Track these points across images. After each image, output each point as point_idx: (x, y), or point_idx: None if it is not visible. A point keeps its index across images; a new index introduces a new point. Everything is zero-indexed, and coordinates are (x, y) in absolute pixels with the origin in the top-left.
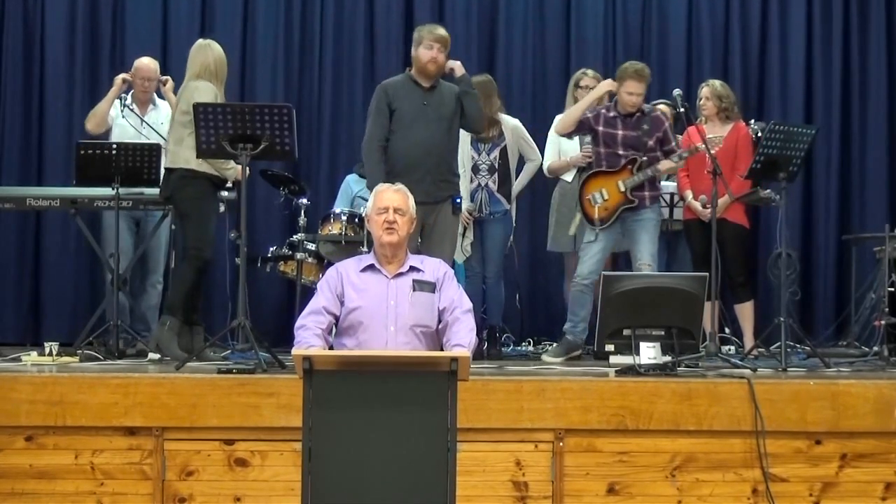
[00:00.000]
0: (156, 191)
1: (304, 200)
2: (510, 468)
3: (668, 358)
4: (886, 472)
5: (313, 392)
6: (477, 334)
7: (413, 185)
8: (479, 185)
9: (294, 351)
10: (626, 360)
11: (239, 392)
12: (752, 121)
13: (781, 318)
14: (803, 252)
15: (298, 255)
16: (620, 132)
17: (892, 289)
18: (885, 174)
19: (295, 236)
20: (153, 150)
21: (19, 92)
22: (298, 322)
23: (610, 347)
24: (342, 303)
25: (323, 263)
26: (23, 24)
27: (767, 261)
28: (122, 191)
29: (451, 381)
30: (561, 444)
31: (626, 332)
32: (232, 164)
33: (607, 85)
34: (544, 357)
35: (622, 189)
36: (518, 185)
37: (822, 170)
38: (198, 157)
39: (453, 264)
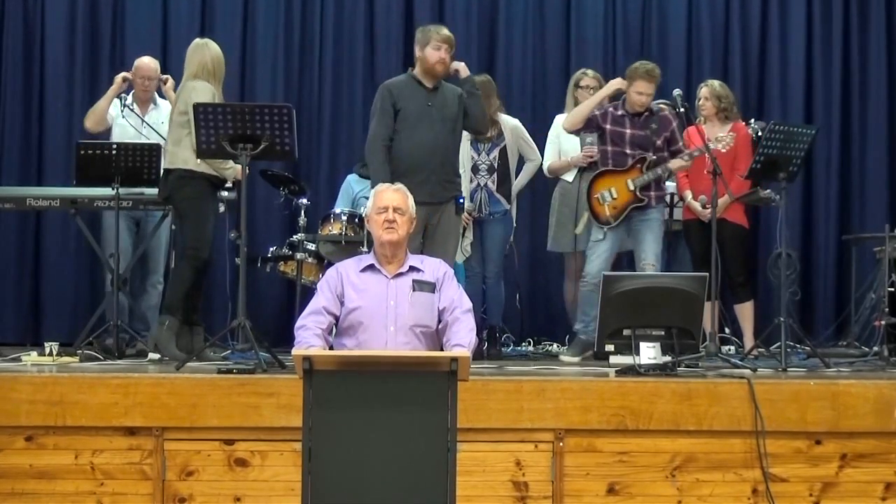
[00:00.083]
0: (156, 191)
1: (304, 200)
2: (510, 468)
3: (668, 358)
4: (886, 472)
5: (313, 392)
6: (477, 334)
7: (417, 185)
8: (479, 185)
9: (294, 351)
10: (626, 360)
11: (239, 392)
12: (752, 120)
13: (781, 318)
14: (803, 252)
15: (298, 255)
16: (628, 131)
17: (892, 289)
18: (885, 174)
19: (295, 236)
20: (153, 150)
21: (19, 92)
22: (298, 322)
23: (610, 347)
24: (342, 303)
25: (323, 263)
26: (23, 24)
27: (767, 261)
28: (122, 191)
29: (451, 381)
30: (561, 444)
31: (626, 332)
32: (231, 163)
33: (617, 83)
34: (562, 357)
35: (631, 188)
36: (518, 184)
37: (822, 170)
38: (198, 157)
39: (453, 264)
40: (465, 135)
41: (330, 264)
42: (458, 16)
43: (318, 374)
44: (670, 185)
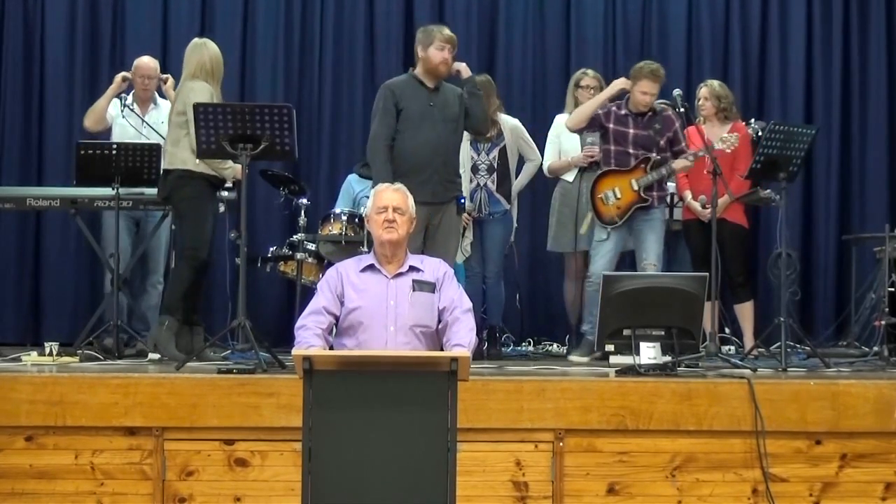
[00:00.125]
0: (156, 191)
1: (304, 200)
2: (510, 468)
3: (668, 358)
4: (886, 472)
5: (313, 392)
6: (477, 334)
7: (420, 185)
8: (479, 185)
9: (294, 351)
10: (626, 360)
11: (239, 392)
12: (752, 120)
13: (781, 318)
14: (803, 252)
15: (298, 255)
16: (631, 130)
17: (892, 289)
18: (885, 174)
19: (295, 236)
20: (153, 150)
21: (19, 92)
22: (299, 322)
23: (610, 347)
24: (342, 303)
25: (323, 263)
26: (23, 24)
27: (767, 261)
28: (122, 191)
29: (451, 381)
30: (561, 444)
31: (626, 332)
32: (229, 163)
33: (621, 83)
34: (570, 357)
35: (635, 188)
36: (518, 185)
37: (822, 170)
38: (198, 157)
39: (453, 264)
40: (465, 135)
41: (330, 264)
42: (458, 16)
43: (318, 374)
44: (670, 185)
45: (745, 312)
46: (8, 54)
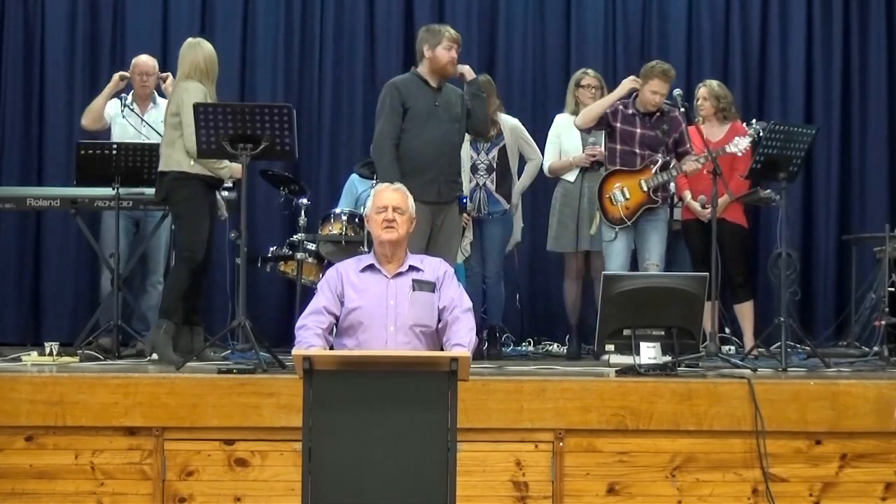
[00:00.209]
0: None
1: (304, 200)
2: (510, 468)
3: (668, 358)
4: (886, 472)
5: (313, 392)
6: (477, 334)
7: (425, 184)
8: (478, 184)
9: (294, 351)
10: (626, 360)
11: (239, 392)
12: (754, 121)
13: (781, 318)
14: (803, 252)
15: (298, 255)
16: (638, 130)
17: (892, 289)
18: (885, 174)
19: (295, 236)
20: (153, 150)
21: (19, 92)
22: (299, 322)
23: (610, 347)
24: (342, 303)
25: (323, 263)
26: (23, 24)
27: (767, 261)
28: (122, 191)
29: (451, 381)
30: (561, 444)
31: (626, 332)
32: (225, 163)
33: (630, 82)
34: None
35: (645, 188)
36: (521, 185)
37: (822, 170)
38: (198, 156)
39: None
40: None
41: (330, 264)
42: (458, 16)
43: (318, 374)
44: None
45: (745, 312)
46: (8, 54)
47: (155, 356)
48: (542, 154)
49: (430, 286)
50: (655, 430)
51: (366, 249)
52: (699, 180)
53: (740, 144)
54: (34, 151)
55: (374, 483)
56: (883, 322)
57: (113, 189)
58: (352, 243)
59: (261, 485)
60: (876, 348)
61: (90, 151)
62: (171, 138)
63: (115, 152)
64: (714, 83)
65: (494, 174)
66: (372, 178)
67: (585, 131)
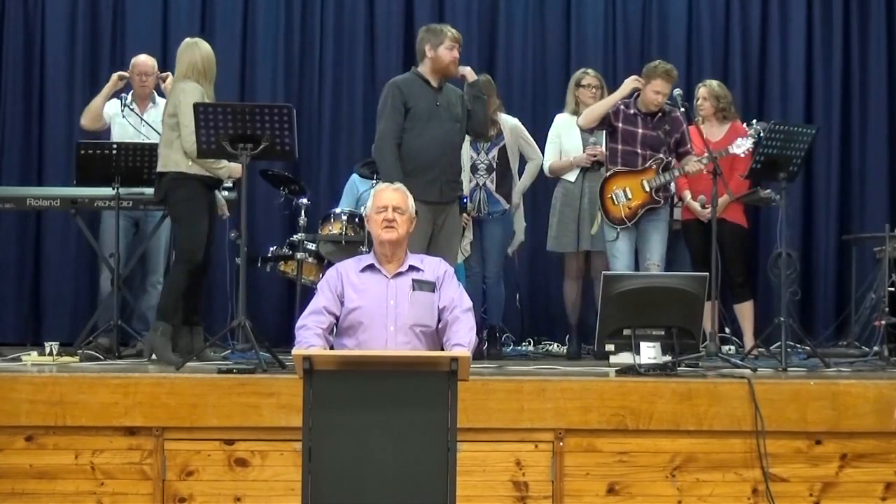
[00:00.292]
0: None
1: (304, 200)
2: (510, 468)
3: (668, 358)
4: (886, 472)
5: (313, 392)
6: (477, 334)
7: (427, 184)
8: (478, 184)
9: (294, 351)
10: (626, 360)
11: (239, 392)
12: (754, 121)
13: (781, 318)
14: (803, 252)
15: (298, 255)
16: (640, 130)
17: (892, 289)
18: (885, 174)
19: (295, 236)
20: (153, 150)
21: (19, 92)
22: (299, 322)
23: (610, 347)
24: (342, 303)
25: (323, 263)
26: (23, 24)
27: (767, 261)
28: (122, 191)
29: (451, 381)
30: (561, 444)
31: (626, 332)
32: (224, 163)
33: (633, 82)
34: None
35: (647, 189)
36: (522, 185)
37: (822, 170)
38: (198, 156)
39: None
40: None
41: (330, 264)
42: (458, 16)
43: (318, 374)
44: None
45: (745, 312)
46: (8, 54)
47: (154, 357)
48: (543, 154)
49: (430, 286)
50: (655, 430)
51: (366, 249)
52: (699, 180)
53: (743, 146)
54: (34, 151)
55: (374, 483)
56: (883, 322)
57: (113, 189)
58: (352, 243)
59: (261, 485)
60: (876, 348)
61: (90, 151)
62: (169, 139)
63: (115, 152)
64: (714, 83)
65: (494, 174)
66: (372, 178)
67: (587, 131)
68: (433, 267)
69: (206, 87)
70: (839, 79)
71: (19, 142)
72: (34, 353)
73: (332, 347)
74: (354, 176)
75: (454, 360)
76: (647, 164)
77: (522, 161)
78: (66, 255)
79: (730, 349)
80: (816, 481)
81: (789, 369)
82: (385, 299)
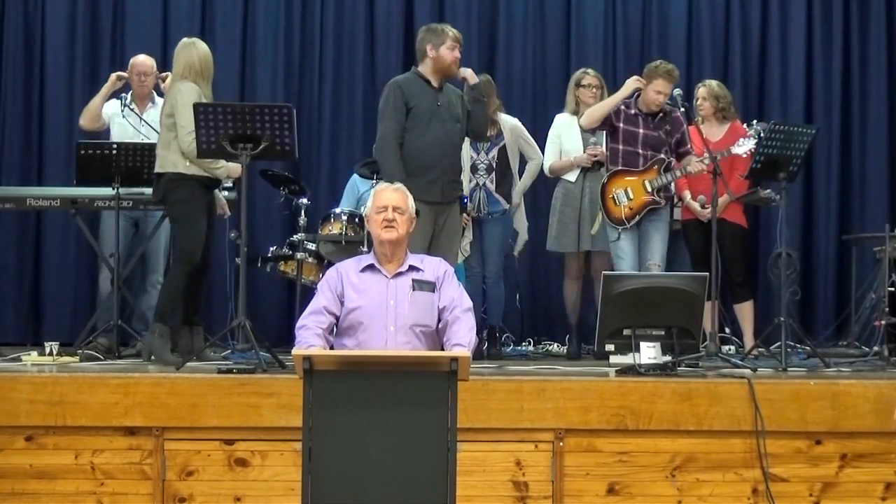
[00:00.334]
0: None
1: (304, 200)
2: (510, 468)
3: (668, 358)
4: (886, 472)
5: (313, 392)
6: (477, 334)
7: (429, 185)
8: (478, 184)
9: (294, 351)
10: (626, 360)
11: (239, 392)
12: (755, 122)
13: (781, 318)
14: (803, 252)
15: (298, 255)
16: (641, 130)
17: (892, 289)
18: (885, 174)
19: (295, 236)
20: (153, 150)
21: (19, 92)
22: (299, 322)
23: (610, 347)
24: (342, 303)
25: (323, 263)
26: (23, 24)
27: (767, 261)
28: (122, 191)
29: (451, 381)
30: (561, 444)
31: (626, 332)
32: (222, 163)
33: (634, 82)
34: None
35: (649, 189)
36: (522, 185)
37: (822, 170)
38: (198, 156)
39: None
40: None
41: (330, 264)
42: (458, 16)
43: (318, 374)
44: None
45: (745, 312)
46: (8, 54)
47: (153, 359)
48: (543, 154)
49: (430, 286)
50: (655, 430)
51: (366, 249)
52: (699, 180)
53: (745, 145)
54: (34, 151)
55: (374, 483)
56: (883, 322)
57: (113, 189)
58: (352, 243)
59: (261, 485)
60: (876, 348)
61: (90, 151)
62: (167, 139)
63: (115, 152)
64: (713, 83)
65: (494, 174)
66: (372, 178)
67: (589, 131)
68: (433, 267)
69: (204, 87)
70: (839, 79)
71: (19, 142)
72: (34, 353)
73: (332, 347)
74: (355, 176)
75: (454, 360)
76: (649, 165)
77: (522, 161)
78: (66, 255)
79: (730, 349)
80: (816, 481)
81: (789, 369)
82: (385, 299)
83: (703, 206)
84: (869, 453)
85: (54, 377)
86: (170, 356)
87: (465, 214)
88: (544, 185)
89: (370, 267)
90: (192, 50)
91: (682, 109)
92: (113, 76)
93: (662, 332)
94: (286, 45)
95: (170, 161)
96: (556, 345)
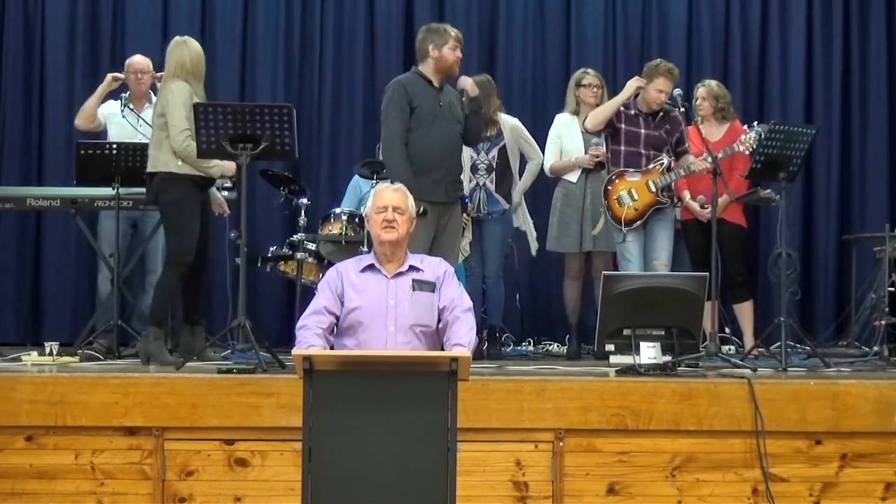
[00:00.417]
0: None
1: (304, 200)
2: (510, 468)
3: (668, 358)
4: (886, 472)
5: (313, 392)
6: (477, 334)
7: (433, 184)
8: (478, 184)
9: (294, 351)
10: (626, 360)
11: (239, 392)
12: (756, 123)
13: (781, 318)
14: (803, 252)
15: (298, 255)
16: (643, 131)
17: (892, 289)
18: (885, 174)
19: (295, 236)
20: None
21: (19, 92)
22: (300, 322)
23: (610, 347)
24: (342, 303)
25: (323, 263)
26: (23, 24)
27: (767, 261)
28: (121, 191)
29: (451, 380)
30: (561, 444)
31: (626, 332)
32: (215, 162)
33: (636, 82)
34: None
35: (653, 189)
36: (522, 185)
37: (822, 170)
38: (198, 157)
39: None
40: None
41: (330, 264)
42: (458, 16)
43: (318, 374)
44: None
45: (745, 312)
46: (8, 54)
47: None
48: (543, 154)
49: (430, 286)
50: (655, 430)
51: (366, 249)
52: (699, 180)
53: (747, 141)
54: (34, 151)
55: (374, 483)
56: (883, 322)
57: (113, 189)
58: (352, 243)
59: (261, 485)
60: (876, 348)
61: (90, 151)
62: (159, 139)
63: (114, 152)
64: (713, 83)
65: (494, 174)
66: (372, 178)
67: (595, 134)
68: (433, 267)
69: (196, 87)
70: (839, 79)
71: (19, 142)
72: (34, 353)
73: (332, 347)
74: (357, 176)
75: (454, 360)
76: (651, 165)
77: (522, 161)
78: (66, 255)
79: (730, 349)
80: (816, 481)
81: (789, 369)
82: (385, 299)
83: (702, 206)
84: (869, 453)
85: (54, 377)
86: (168, 357)
87: (464, 214)
88: (544, 185)
89: (370, 267)
90: (184, 49)
91: (682, 109)
92: (108, 77)
93: (662, 332)
94: (286, 45)
95: (161, 161)
96: (556, 345)
